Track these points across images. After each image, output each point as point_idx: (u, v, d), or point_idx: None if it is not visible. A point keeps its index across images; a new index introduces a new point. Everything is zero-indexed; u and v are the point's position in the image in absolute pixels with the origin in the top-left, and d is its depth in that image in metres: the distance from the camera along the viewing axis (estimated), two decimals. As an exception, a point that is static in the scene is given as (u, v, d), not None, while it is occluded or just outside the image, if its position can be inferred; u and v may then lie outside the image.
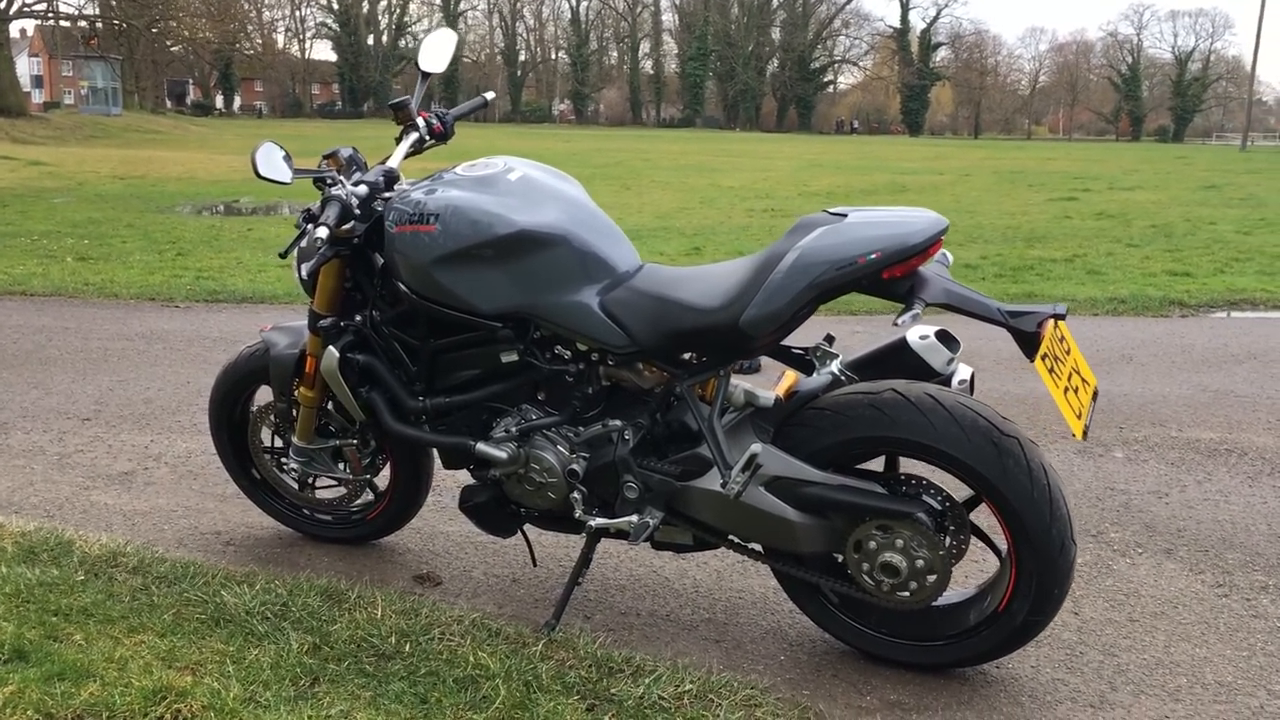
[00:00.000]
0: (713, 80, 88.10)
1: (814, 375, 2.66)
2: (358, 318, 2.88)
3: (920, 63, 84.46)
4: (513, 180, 2.69)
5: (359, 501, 3.30)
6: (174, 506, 3.68)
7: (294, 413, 3.14)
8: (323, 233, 2.49)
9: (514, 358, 2.71)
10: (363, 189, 2.72)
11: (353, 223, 2.71)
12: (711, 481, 2.58)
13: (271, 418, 3.25)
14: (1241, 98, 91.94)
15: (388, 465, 3.21)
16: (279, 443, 3.30)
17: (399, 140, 3.00)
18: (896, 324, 2.37)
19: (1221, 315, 7.92)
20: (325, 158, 2.79)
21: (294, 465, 3.18)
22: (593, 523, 2.74)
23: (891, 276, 2.37)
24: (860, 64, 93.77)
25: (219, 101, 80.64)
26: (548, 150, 33.19)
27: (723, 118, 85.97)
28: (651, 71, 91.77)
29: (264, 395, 3.30)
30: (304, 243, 2.77)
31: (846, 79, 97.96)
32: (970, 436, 2.37)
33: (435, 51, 3.04)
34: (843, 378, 2.63)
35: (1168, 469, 4.17)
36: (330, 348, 2.85)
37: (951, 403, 2.41)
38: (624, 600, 3.04)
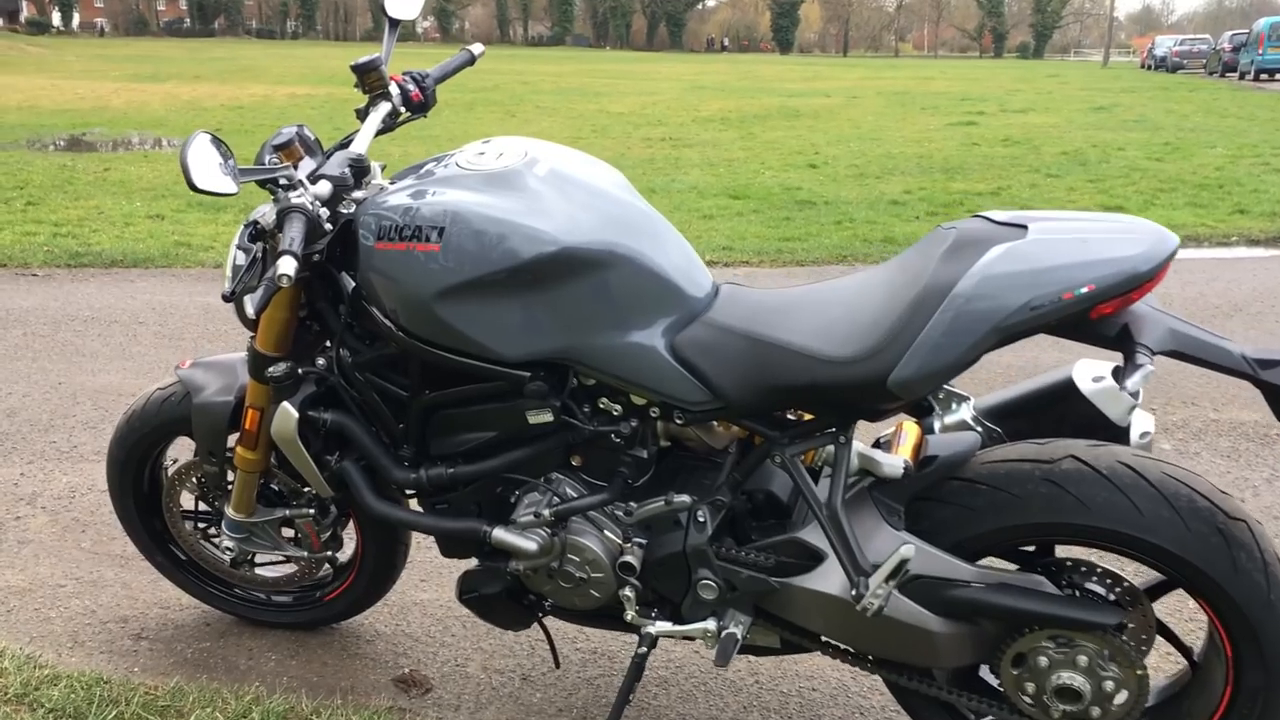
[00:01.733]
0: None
1: (934, 423, 2.02)
2: (320, 361, 2.13)
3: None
4: (541, 176, 1.95)
5: (314, 578, 2.56)
6: (60, 577, 2.87)
7: (227, 478, 2.37)
8: (289, 267, 1.72)
9: (547, 418, 2.00)
10: (325, 187, 1.95)
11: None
12: (826, 581, 1.93)
13: (195, 481, 2.47)
14: (1096, 14, 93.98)
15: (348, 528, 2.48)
16: (205, 507, 2.53)
17: (365, 113, 2.22)
18: (1123, 387, 1.74)
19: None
20: (276, 149, 2.00)
21: (228, 543, 2.41)
22: (653, 629, 2.07)
23: (1101, 315, 1.73)
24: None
25: (56, 19, 75.26)
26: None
27: (592, 35, 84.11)
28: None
29: (180, 446, 2.51)
30: (254, 275, 1.95)
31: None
32: (1189, 522, 1.77)
33: (406, -8, 2.27)
34: (978, 429, 2.00)
35: (1225, 462, 3.69)
36: (285, 405, 2.10)
37: (1157, 475, 1.80)
38: (670, 702, 2.39)
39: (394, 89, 2.23)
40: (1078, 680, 1.87)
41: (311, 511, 2.38)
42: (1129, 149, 13.59)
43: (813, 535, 1.95)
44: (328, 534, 2.42)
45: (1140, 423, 1.96)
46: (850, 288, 1.92)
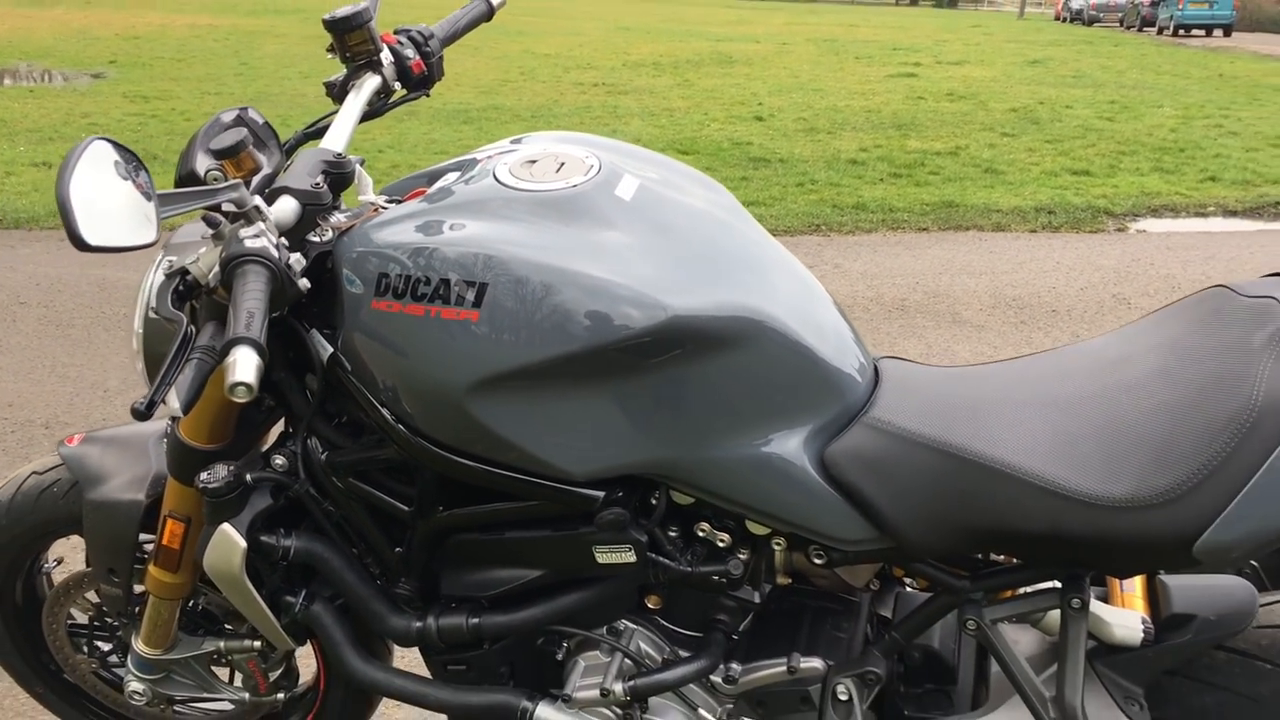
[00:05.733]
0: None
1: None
2: (277, 459, 1.44)
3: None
4: (628, 202, 1.29)
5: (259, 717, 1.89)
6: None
7: (134, 603, 1.68)
8: (249, 369, 1.04)
9: (626, 558, 1.35)
10: (288, 207, 1.27)
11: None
12: (1034, 798, 1.33)
13: (88, 599, 1.78)
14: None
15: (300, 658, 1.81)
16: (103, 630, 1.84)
17: (343, 90, 1.53)
18: None
19: (1157, 230, 7.14)
20: (217, 156, 1.29)
21: (136, 685, 1.73)
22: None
23: None
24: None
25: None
26: (324, 4, 29.89)
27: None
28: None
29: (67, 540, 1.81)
30: (185, 369, 1.22)
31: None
32: None
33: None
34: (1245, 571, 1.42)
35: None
36: (227, 529, 1.41)
37: None
38: None
39: (386, 56, 1.54)
40: None
41: (256, 645, 1.71)
42: (1077, 106, 13.18)
43: (1011, 725, 1.36)
44: (278, 670, 1.76)
45: None
46: (1094, 376, 1.30)
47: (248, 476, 1.41)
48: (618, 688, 1.40)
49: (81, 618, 1.85)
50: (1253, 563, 1.46)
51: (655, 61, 17.91)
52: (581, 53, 18.98)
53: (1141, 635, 1.32)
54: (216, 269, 1.18)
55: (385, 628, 1.46)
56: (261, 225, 1.17)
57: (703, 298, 1.23)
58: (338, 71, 1.56)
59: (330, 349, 1.35)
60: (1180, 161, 9.45)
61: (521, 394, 1.23)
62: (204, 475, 1.39)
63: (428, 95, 1.61)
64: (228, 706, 1.84)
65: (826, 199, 7.45)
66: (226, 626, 1.74)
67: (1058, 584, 1.31)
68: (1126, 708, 1.33)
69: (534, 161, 1.34)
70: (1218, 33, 33.49)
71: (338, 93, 1.52)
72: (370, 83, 1.51)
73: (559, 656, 1.49)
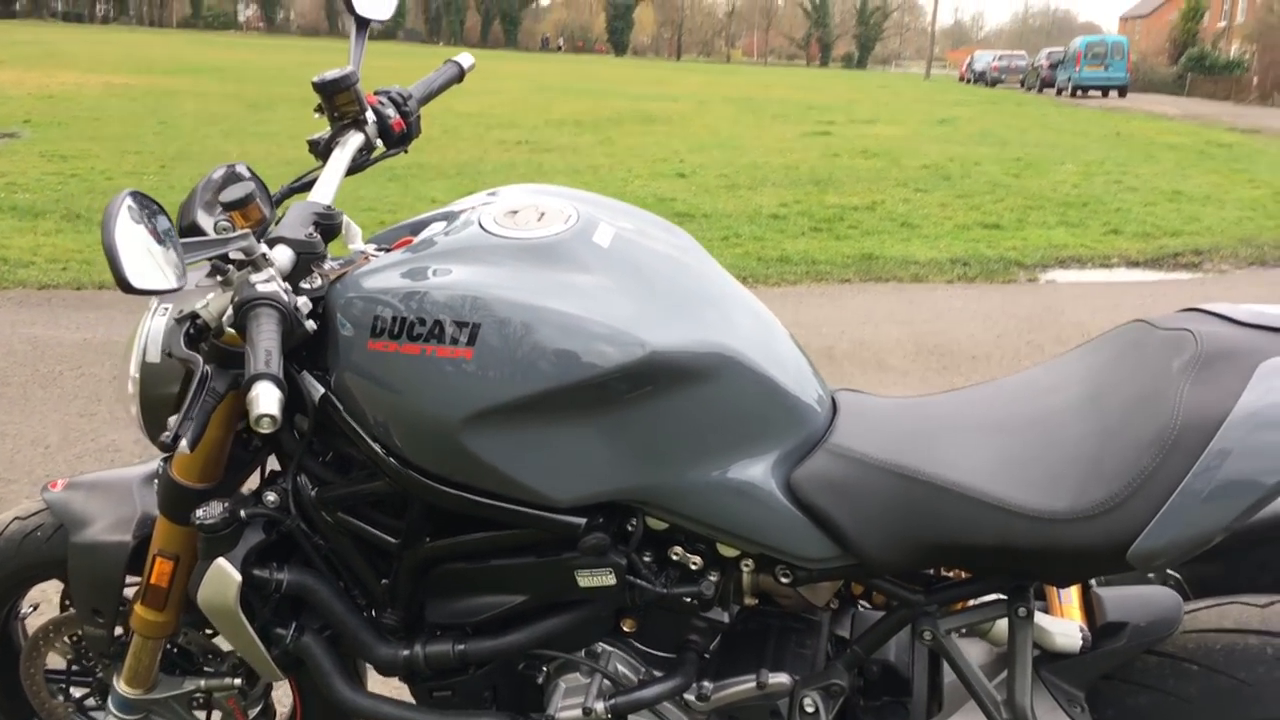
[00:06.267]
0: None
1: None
2: (269, 495, 1.51)
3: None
4: (605, 248, 1.40)
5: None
6: None
7: (115, 644, 1.72)
8: (272, 402, 1.12)
9: (606, 580, 1.44)
10: (284, 255, 1.35)
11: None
12: (989, 799, 1.44)
13: (69, 641, 1.80)
14: (916, 27, 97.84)
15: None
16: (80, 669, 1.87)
17: (328, 147, 1.62)
18: None
19: (1065, 280, 7.45)
20: (227, 208, 1.37)
21: (117, 726, 1.76)
22: None
23: None
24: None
25: None
26: (243, 63, 29.95)
27: (425, 31, 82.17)
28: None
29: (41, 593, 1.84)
30: (199, 404, 1.29)
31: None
32: None
33: (377, -12, 1.70)
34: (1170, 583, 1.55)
35: None
36: (222, 564, 1.47)
37: None
38: None
39: (369, 115, 1.63)
40: None
41: (236, 682, 1.75)
42: (985, 164, 13.68)
43: (966, 737, 1.46)
44: (257, 708, 1.80)
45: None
46: (1031, 403, 1.43)
47: (241, 513, 1.48)
48: (599, 707, 1.48)
49: (58, 662, 1.87)
50: (1176, 574, 1.59)
51: (577, 120, 18.17)
52: (503, 111, 19.17)
53: (1080, 642, 1.45)
54: (229, 312, 1.26)
55: (373, 657, 1.53)
56: (271, 271, 1.26)
57: (676, 335, 1.33)
58: (287, 130, 1.66)
59: (321, 389, 1.42)
60: (1084, 215, 9.87)
61: (511, 426, 1.32)
62: (200, 512, 1.45)
63: (405, 152, 1.71)
64: (201, 747, 1.88)
65: (751, 252, 7.65)
66: (205, 668, 1.78)
67: (1004, 595, 1.43)
68: (1070, 710, 1.44)
69: (516, 212, 1.44)
70: (1113, 93, 35.00)
71: (323, 150, 1.62)
72: (354, 140, 1.61)
73: (539, 680, 1.57)
